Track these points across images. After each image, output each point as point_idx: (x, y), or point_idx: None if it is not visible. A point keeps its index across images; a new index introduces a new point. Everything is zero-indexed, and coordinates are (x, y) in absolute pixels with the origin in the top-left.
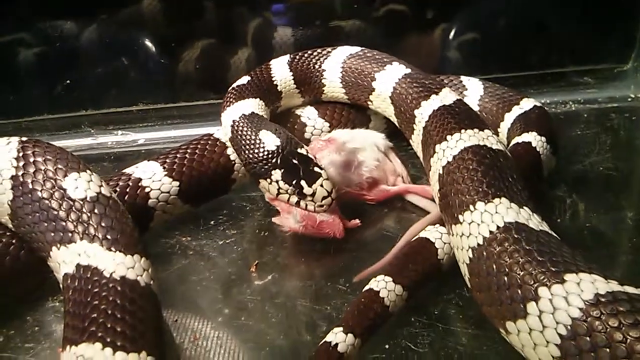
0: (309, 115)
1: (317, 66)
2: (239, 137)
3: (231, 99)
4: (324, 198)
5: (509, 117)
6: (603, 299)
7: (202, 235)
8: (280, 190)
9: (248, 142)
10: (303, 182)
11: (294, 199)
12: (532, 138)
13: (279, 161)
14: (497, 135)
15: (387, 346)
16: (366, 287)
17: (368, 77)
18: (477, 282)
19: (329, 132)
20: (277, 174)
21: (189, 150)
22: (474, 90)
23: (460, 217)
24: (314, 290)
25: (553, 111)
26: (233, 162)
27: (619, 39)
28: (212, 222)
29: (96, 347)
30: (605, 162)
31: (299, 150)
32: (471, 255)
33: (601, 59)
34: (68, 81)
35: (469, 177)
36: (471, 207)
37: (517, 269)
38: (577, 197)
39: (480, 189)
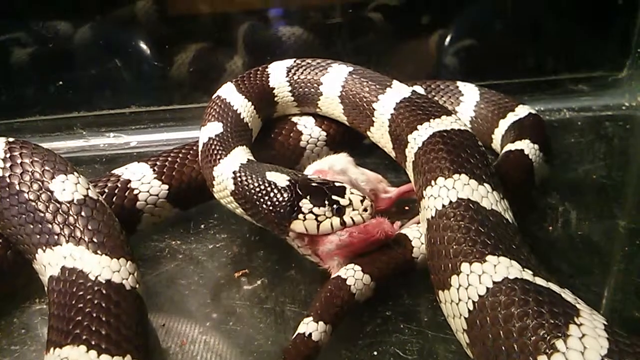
0: (306, 124)
1: (265, 83)
2: (246, 188)
3: (220, 153)
4: (362, 201)
5: (504, 124)
6: (509, 284)
7: (192, 239)
8: (319, 218)
9: (258, 189)
10: (335, 197)
11: (336, 220)
12: (525, 146)
13: (299, 192)
14: (491, 142)
15: (375, 353)
16: (333, 275)
17: (315, 83)
18: (428, 251)
19: (325, 141)
20: (306, 204)
21: (180, 154)
22: (470, 96)
23: (424, 192)
24: (303, 296)
25: (547, 119)
26: None
27: (614, 46)
28: (202, 226)
29: (80, 349)
30: (599, 170)
31: (309, 176)
32: (426, 226)
33: (596, 66)
34: (60, 82)
35: (435, 156)
36: (432, 182)
37: (453, 243)
38: (569, 205)
39: (444, 166)
